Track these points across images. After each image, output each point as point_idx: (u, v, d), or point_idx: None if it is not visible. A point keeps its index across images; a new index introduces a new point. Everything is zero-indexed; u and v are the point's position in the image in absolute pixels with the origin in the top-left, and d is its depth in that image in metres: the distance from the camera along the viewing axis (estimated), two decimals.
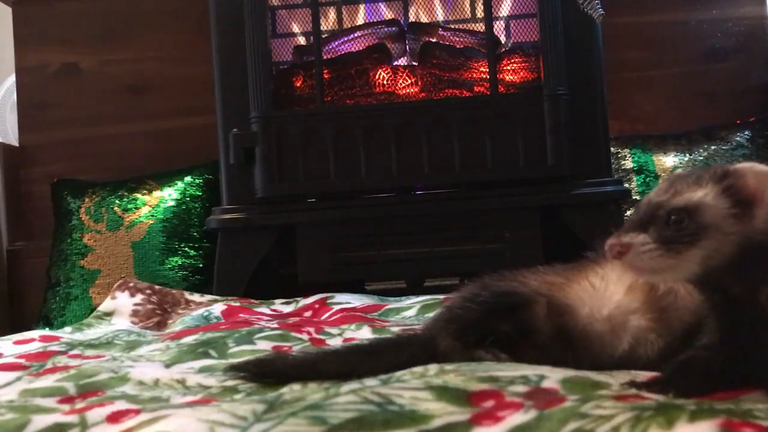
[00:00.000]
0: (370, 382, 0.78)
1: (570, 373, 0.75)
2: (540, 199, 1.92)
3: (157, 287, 1.78)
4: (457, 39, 2.09)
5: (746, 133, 2.29)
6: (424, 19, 2.19)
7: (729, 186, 0.72)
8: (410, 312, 1.47)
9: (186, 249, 2.25)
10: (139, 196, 2.31)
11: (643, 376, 0.77)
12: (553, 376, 0.73)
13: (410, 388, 0.71)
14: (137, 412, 0.76)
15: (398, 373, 0.80)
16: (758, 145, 2.27)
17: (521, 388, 0.70)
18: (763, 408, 0.62)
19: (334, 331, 1.28)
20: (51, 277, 2.27)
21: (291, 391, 0.81)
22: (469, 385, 0.71)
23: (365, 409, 0.67)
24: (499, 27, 2.13)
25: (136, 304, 1.68)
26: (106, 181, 2.38)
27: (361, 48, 2.08)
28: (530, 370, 0.75)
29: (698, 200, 0.72)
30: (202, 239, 2.27)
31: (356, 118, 1.92)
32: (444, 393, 0.69)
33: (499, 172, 1.90)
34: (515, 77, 1.99)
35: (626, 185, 2.12)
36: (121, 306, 1.68)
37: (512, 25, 2.13)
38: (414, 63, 2.09)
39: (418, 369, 0.80)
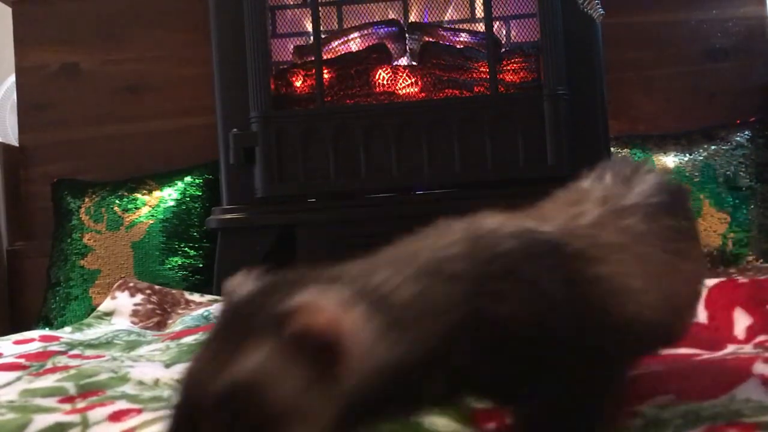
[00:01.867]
0: None
1: None
2: (540, 199, 1.91)
3: (157, 287, 1.78)
4: (457, 39, 2.10)
5: (746, 133, 2.29)
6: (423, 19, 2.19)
7: (297, 337, 0.46)
8: None
9: (186, 249, 2.25)
10: (139, 196, 2.31)
11: None
12: None
13: None
14: (139, 411, 0.76)
15: None
16: (758, 144, 2.27)
17: None
18: (753, 406, 0.62)
19: None
20: (51, 277, 2.27)
21: None
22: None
23: None
24: (499, 27, 2.13)
25: (136, 304, 1.68)
26: (106, 181, 2.38)
27: (361, 48, 2.08)
28: None
29: (253, 376, 0.45)
30: (202, 239, 2.27)
31: (356, 118, 1.92)
32: (448, 409, 0.69)
33: (499, 172, 1.90)
34: (515, 77, 1.99)
35: None
36: (121, 306, 1.68)
37: (512, 25, 2.13)
38: (414, 63, 2.09)
39: None
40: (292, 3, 2.16)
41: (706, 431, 0.57)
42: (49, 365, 1.10)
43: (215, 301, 1.72)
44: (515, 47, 2.07)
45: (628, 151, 2.27)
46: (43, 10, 2.55)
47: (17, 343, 1.34)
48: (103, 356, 1.20)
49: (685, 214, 0.73)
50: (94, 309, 1.82)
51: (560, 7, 1.91)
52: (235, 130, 1.94)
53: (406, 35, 2.12)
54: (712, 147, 2.26)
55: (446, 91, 2.00)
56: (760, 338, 0.91)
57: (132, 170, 2.42)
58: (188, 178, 2.34)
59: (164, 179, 2.34)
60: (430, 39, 2.08)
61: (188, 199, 2.31)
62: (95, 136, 2.53)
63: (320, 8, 2.03)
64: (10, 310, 2.44)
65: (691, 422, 0.59)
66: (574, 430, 0.55)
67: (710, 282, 1.07)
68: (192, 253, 2.25)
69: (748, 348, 0.90)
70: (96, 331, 1.53)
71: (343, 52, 2.07)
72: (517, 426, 0.58)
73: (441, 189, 1.96)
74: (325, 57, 2.01)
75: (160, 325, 1.64)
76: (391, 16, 2.17)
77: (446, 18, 2.19)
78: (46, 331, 1.52)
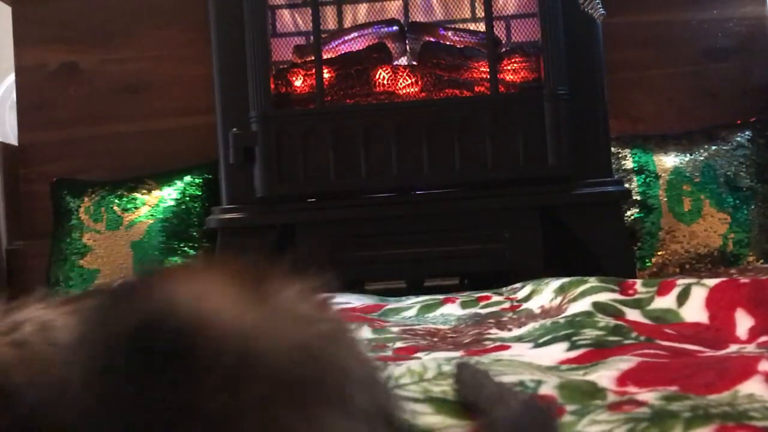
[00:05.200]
0: None
1: (564, 378, 0.75)
2: (540, 199, 1.91)
3: None
4: (458, 39, 2.09)
5: (747, 133, 2.29)
6: (423, 19, 2.19)
7: None
8: (410, 312, 1.47)
9: (185, 249, 2.25)
10: (138, 195, 2.31)
11: None
12: (549, 381, 0.73)
13: (410, 399, 0.70)
14: None
15: (396, 373, 0.79)
16: (759, 145, 2.27)
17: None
18: (759, 407, 0.61)
19: None
20: (50, 277, 2.27)
21: None
22: None
23: None
24: (499, 27, 2.13)
25: None
26: (106, 181, 2.37)
27: (361, 48, 2.08)
28: (527, 375, 0.75)
29: None
30: (202, 239, 2.26)
31: (356, 118, 1.92)
32: (443, 406, 0.69)
33: (499, 172, 1.90)
34: (515, 77, 1.99)
35: (627, 185, 2.12)
36: None
37: (512, 25, 2.13)
38: (414, 63, 2.08)
39: (417, 368, 0.79)
40: (292, 2, 2.16)
41: (717, 430, 0.57)
42: None
43: None
44: (515, 47, 2.07)
45: (629, 151, 2.27)
46: (43, 9, 2.54)
47: None
48: None
49: None
50: None
51: (561, 7, 1.91)
52: (234, 129, 1.94)
53: (406, 35, 2.11)
54: (713, 147, 2.26)
55: (446, 90, 1.99)
56: (763, 339, 0.91)
57: (131, 170, 2.41)
58: (188, 178, 2.33)
59: (164, 179, 2.34)
60: (431, 39, 2.08)
61: (188, 198, 2.31)
62: (95, 135, 2.52)
63: (320, 8, 2.02)
64: None
65: (701, 417, 0.59)
66: None
67: (711, 282, 1.07)
68: (191, 252, 2.25)
69: (751, 347, 0.89)
70: None
71: (343, 52, 2.07)
72: None
73: (441, 189, 1.96)
74: (325, 57, 2.01)
75: None
76: (391, 15, 2.16)
77: (446, 17, 2.19)
78: None
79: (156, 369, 0.43)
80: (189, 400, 0.42)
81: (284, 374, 0.44)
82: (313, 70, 1.95)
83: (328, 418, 0.44)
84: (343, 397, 0.46)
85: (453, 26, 2.14)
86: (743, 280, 1.05)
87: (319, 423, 0.44)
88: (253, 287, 0.50)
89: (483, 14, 1.99)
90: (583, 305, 1.10)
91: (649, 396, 0.67)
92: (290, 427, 0.43)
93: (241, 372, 0.43)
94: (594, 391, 0.71)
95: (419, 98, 1.98)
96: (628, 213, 2.18)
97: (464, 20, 2.19)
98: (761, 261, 2.15)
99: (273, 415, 0.43)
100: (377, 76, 2.00)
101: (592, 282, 1.20)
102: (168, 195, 2.30)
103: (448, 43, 2.07)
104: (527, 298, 1.34)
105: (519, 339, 1.02)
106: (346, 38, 2.11)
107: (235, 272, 0.52)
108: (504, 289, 1.50)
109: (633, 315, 1.07)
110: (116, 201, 2.30)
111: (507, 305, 1.35)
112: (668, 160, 2.24)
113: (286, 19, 2.19)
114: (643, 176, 2.23)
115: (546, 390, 0.71)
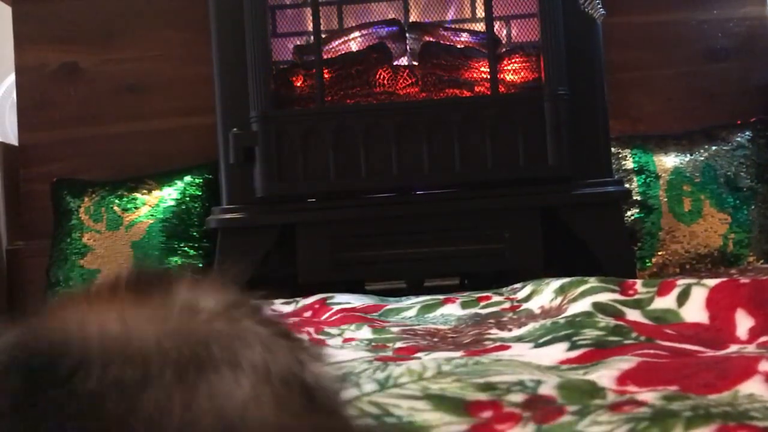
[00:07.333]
0: (368, 386, 0.77)
1: (564, 377, 0.75)
2: (540, 199, 1.91)
3: None
4: (458, 39, 2.09)
5: (747, 133, 2.29)
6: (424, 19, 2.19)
7: None
8: (410, 312, 1.47)
9: (186, 249, 2.25)
10: (138, 195, 2.31)
11: None
12: (549, 381, 0.73)
13: (408, 397, 0.71)
14: None
15: (396, 373, 0.79)
16: (759, 145, 2.27)
17: (519, 397, 0.69)
18: (760, 407, 0.61)
19: (334, 331, 1.28)
20: (50, 277, 2.27)
21: None
22: (467, 394, 0.71)
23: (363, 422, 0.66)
24: (499, 27, 2.13)
25: None
26: (106, 181, 2.37)
27: (361, 48, 2.08)
28: (527, 375, 0.75)
29: None
30: (202, 239, 2.27)
31: (356, 118, 1.92)
32: (441, 403, 0.69)
33: (499, 172, 1.90)
34: (516, 77, 1.99)
35: (627, 185, 2.12)
36: None
37: (513, 24, 2.13)
38: (414, 63, 2.09)
39: (416, 368, 0.79)
40: (292, 2, 2.16)
41: (717, 430, 0.57)
42: None
43: None
44: (516, 47, 2.07)
45: (629, 151, 2.27)
46: (43, 8, 2.55)
47: None
48: None
49: None
50: None
51: (561, 7, 1.91)
52: (235, 129, 1.94)
53: (407, 35, 2.11)
54: (713, 147, 2.26)
55: (446, 90, 1.99)
56: (763, 339, 0.91)
57: (132, 170, 2.41)
58: (188, 178, 2.33)
59: (164, 179, 2.34)
60: (431, 38, 2.08)
61: (188, 198, 2.31)
62: (95, 135, 2.53)
63: (320, 8, 2.02)
64: (9, 309, 2.44)
65: (702, 417, 0.59)
66: None
67: (711, 282, 1.07)
68: (192, 253, 2.25)
69: (751, 348, 0.89)
70: None
71: (343, 52, 2.07)
72: None
73: (441, 189, 1.96)
74: (325, 57, 2.01)
75: None
76: (392, 15, 2.17)
77: (447, 17, 2.19)
78: None
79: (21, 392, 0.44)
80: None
81: (151, 361, 0.45)
82: (313, 70, 1.95)
83: (205, 383, 0.45)
84: (225, 363, 0.47)
85: (453, 26, 2.14)
86: (743, 280, 1.05)
87: (194, 389, 0.45)
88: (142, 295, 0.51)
89: (483, 14, 1.99)
90: (583, 305, 1.10)
91: (649, 396, 0.66)
92: (164, 400, 0.44)
93: (106, 373, 0.44)
94: (594, 391, 0.71)
95: (419, 98, 1.98)
96: (628, 213, 2.18)
97: (464, 20, 2.19)
98: (761, 261, 2.15)
99: (144, 397, 0.43)
100: (377, 76, 2.00)
101: (592, 282, 1.20)
102: (168, 195, 2.31)
103: (448, 43, 2.07)
104: (527, 299, 1.34)
105: (519, 339, 1.02)
106: (346, 38, 2.11)
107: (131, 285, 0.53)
108: (504, 289, 1.50)
109: (633, 315, 1.07)
110: (116, 201, 2.30)
111: (507, 305, 1.35)
112: (668, 160, 2.24)
113: (286, 19, 2.19)
114: (643, 176, 2.23)
115: (546, 390, 0.71)
